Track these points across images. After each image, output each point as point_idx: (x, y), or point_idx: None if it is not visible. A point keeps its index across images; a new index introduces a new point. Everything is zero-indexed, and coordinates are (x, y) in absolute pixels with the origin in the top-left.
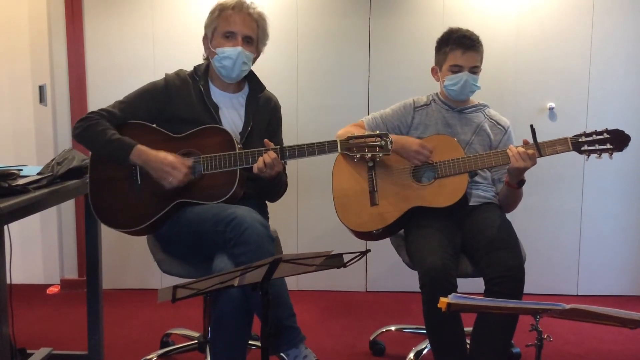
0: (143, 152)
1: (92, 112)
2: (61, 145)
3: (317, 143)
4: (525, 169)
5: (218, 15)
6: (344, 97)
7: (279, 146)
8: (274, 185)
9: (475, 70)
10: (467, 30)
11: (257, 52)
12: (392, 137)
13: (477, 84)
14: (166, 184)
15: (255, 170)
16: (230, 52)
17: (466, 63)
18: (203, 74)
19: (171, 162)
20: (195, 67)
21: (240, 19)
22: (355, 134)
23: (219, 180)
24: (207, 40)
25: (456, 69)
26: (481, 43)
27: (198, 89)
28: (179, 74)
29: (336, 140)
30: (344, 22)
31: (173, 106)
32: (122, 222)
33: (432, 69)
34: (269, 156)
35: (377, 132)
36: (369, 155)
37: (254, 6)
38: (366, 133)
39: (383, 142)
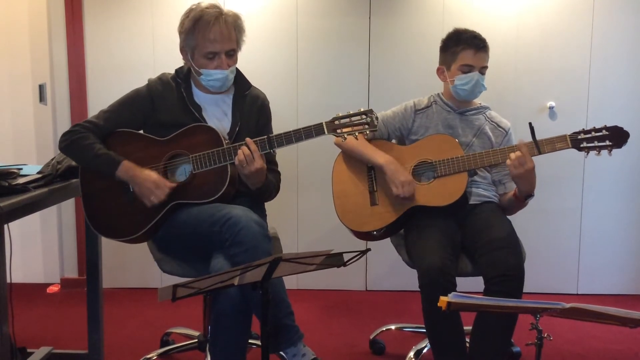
0: (130, 169)
1: (78, 125)
2: None
3: (303, 128)
4: (527, 173)
5: (193, 32)
6: (344, 97)
7: (265, 136)
8: (258, 190)
9: (484, 70)
10: (474, 31)
11: (239, 49)
12: (387, 160)
13: (484, 84)
14: (147, 201)
15: (236, 162)
16: (218, 75)
17: (477, 63)
18: (185, 76)
19: (155, 181)
20: (176, 70)
21: (219, 35)
22: (340, 114)
23: (211, 178)
24: (186, 54)
25: (467, 69)
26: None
27: (180, 92)
28: (161, 78)
29: (322, 123)
30: (344, 22)
31: (157, 112)
32: (119, 231)
33: (438, 69)
34: (248, 147)
35: (362, 109)
36: (357, 133)
37: (227, 10)
38: (350, 112)
39: (369, 119)
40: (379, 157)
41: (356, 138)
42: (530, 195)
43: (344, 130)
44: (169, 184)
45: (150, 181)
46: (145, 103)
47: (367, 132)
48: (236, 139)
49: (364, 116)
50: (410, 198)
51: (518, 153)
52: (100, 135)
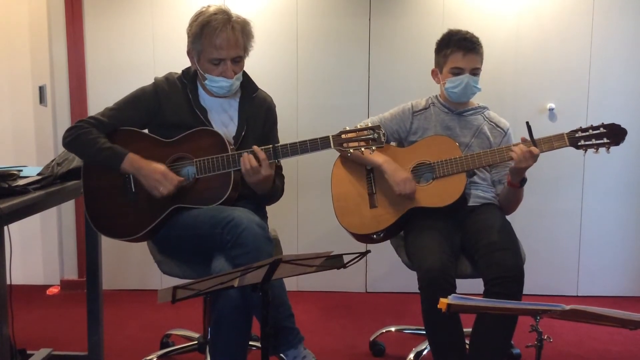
0: (135, 161)
1: (82, 120)
2: (61, 145)
3: (309, 140)
4: (528, 167)
5: (201, 36)
6: (344, 97)
7: (270, 145)
8: (265, 196)
9: (476, 72)
10: (467, 32)
11: (246, 55)
12: (385, 159)
13: (477, 86)
14: (156, 193)
15: (243, 171)
16: (222, 83)
17: (467, 65)
18: (192, 78)
19: (163, 172)
20: (183, 71)
21: (226, 42)
22: (347, 128)
23: (213, 183)
24: (193, 57)
25: (457, 71)
26: (481, 44)
27: (186, 94)
28: (168, 78)
29: (328, 136)
30: (344, 22)
31: (163, 111)
32: (119, 231)
33: (433, 71)
34: (257, 156)
35: (369, 124)
36: (362, 149)
37: (236, 15)
38: (358, 126)
39: (375, 135)
40: (377, 157)
41: (362, 153)
42: (524, 179)
43: (350, 145)
44: (177, 177)
45: (158, 173)
46: (151, 102)
47: (373, 149)
48: (241, 144)
49: (370, 131)
50: (411, 196)
51: (535, 149)
52: (104, 132)
